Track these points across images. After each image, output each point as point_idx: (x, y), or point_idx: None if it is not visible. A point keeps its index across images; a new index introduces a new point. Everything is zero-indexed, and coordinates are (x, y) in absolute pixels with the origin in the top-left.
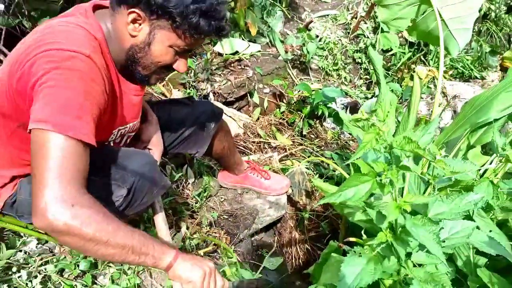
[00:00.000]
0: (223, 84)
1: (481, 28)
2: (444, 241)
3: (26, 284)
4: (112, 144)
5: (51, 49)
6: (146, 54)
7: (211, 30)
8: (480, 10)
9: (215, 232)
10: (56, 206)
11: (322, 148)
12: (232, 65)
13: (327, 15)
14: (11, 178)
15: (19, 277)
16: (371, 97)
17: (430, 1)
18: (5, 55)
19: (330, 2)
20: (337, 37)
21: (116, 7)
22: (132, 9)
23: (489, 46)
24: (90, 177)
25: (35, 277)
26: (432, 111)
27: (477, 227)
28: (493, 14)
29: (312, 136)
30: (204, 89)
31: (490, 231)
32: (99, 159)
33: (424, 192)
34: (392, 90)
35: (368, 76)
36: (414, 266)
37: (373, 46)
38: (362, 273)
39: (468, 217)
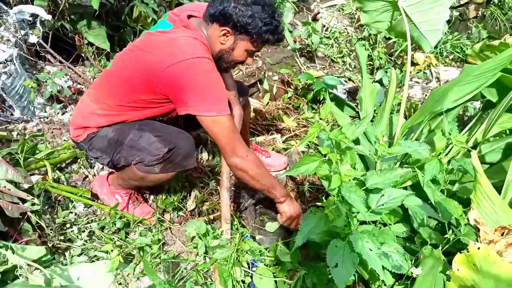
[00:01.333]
0: (236, 74)
1: (485, 13)
2: (383, 205)
3: (77, 236)
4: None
5: (186, 59)
6: (230, 55)
7: (275, 41)
8: None
9: None
10: (239, 158)
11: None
12: None
13: (335, 5)
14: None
15: (71, 231)
16: (373, 82)
17: (400, 9)
18: (53, 56)
19: None
20: (343, 26)
21: (210, 23)
22: (224, 27)
23: (487, 32)
24: (151, 131)
25: (83, 231)
26: (426, 95)
27: (415, 194)
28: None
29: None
30: None
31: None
32: (162, 125)
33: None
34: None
35: (371, 62)
36: (361, 223)
37: (375, 34)
38: (315, 227)
39: (419, 187)
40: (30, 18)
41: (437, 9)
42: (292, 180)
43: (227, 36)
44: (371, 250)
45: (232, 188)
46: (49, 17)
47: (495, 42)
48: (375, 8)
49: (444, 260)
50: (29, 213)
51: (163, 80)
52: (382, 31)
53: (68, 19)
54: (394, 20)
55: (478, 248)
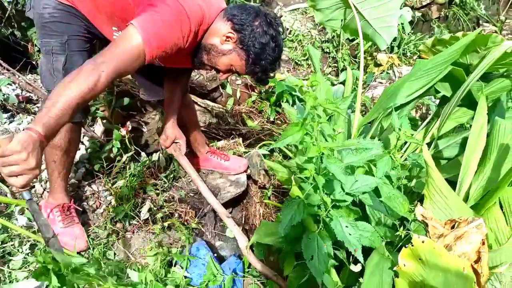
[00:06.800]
0: (196, 79)
1: (448, 14)
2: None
3: (17, 250)
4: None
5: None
6: (216, 56)
7: (259, 79)
8: None
9: (182, 207)
10: (90, 66)
11: None
12: None
13: (297, 8)
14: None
15: (11, 245)
16: (338, 84)
17: (351, 5)
18: (2, 66)
19: None
20: (306, 29)
21: (225, 19)
22: (233, 31)
23: (449, 32)
24: (67, 59)
25: (24, 244)
26: None
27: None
28: (457, 0)
29: (279, 122)
30: None
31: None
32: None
33: None
34: (356, 76)
35: (336, 64)
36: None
37: (338, 36)
38: (295, 214)
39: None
40: None
41: (388, 6)
42: (255, 184)
43: (228, 40)
44: (346, 227)
45: (191, 194)
46: None
47: (446, 36)
48: (327, 6)
49: (389, 256)
50: None
51: None
52: (336, 30)
53: (17, 26)
54: (347, 17)
55: (422, 242)
